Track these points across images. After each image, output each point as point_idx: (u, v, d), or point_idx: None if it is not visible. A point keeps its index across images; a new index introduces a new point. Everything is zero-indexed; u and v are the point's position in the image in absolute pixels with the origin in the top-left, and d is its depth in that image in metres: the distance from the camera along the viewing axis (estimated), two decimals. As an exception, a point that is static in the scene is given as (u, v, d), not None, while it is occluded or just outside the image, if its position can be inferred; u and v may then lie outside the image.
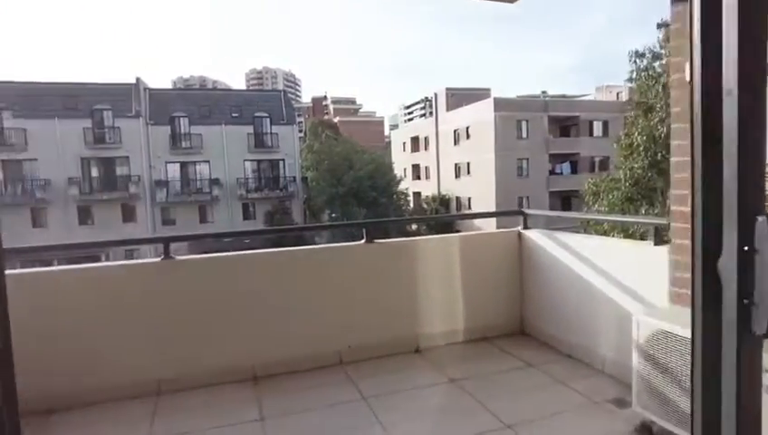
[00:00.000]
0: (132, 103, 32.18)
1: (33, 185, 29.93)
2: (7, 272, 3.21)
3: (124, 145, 31.70)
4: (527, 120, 39.33)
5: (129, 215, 32.12)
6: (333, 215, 37.83)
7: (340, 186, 34.00)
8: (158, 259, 3.57)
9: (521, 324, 4.47)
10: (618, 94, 48.69)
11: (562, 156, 40.56)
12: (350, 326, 3.90)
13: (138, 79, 32.95)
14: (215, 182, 33.77)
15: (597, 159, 41.32)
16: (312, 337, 3.81)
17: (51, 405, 3.20)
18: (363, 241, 3.99)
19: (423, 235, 28.05)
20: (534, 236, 4.30)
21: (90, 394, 3.29)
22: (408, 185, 44.73)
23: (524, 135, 39.37)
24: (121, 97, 31.99)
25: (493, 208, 37.30)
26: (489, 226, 32.18)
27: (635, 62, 10.59)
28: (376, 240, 4.01)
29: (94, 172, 31.58)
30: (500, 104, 38.54)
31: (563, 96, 52.63)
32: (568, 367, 3.69)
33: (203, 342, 3.57)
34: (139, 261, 3.75)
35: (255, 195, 34.67)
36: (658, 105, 9.51)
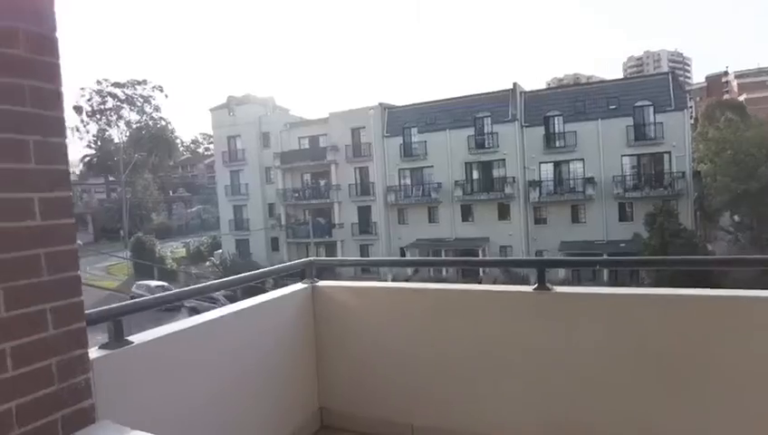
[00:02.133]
0: (509, 108, 33.95)
1: (429, 188, 35.56)
2: (375, 284, 3.03)
3: (501, 148, 33.83)
4: None
5: (503, 213, 34.18)
6: (736, 218, 30.23)
7: (753, 181, 26.46)
8: (530, 289, 2.76)
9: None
10: None
11: None
12: None
13: (514, 84, 34.54)
14: (588, 181, 32.06)
15: None
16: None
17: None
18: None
19: None
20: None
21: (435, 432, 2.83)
22: None
23: None
24: (499, 103, 34.24)
25: None
26: None
27: None
28: None
29: (475, 175, 35.01)
30: None
31: None
32: None
33: (588, 405, 2.56)
34: (508, 288, 3.05)
35: (634, 194, 31.10)
36: None
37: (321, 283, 3.22)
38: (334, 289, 3.22)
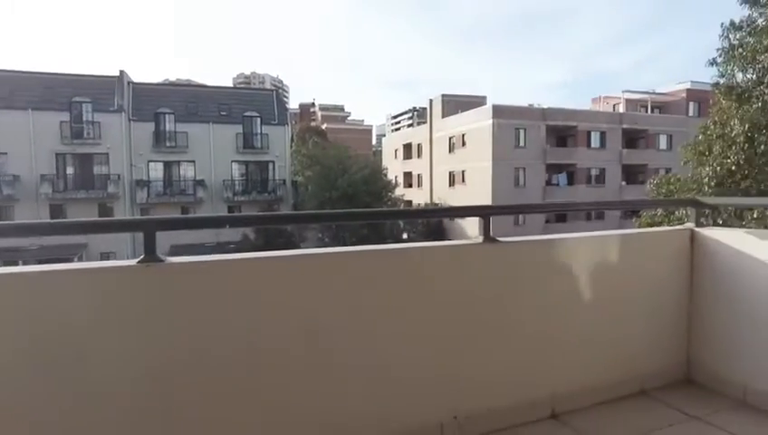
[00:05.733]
0: (115, 97, 30.23)
1: (0, 182, 27.72)
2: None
3: (104, 141, 29.69)
4: (525, 129, 38.26)
5: (106, 215, 30.05)
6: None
7: (334, 190, 32.27)
8: (134, 262, 2.00)
9: (686, 369, 2.98)
10: (614, 106, 47.93)
11: (559, 166, 39.53)
12: (458, 385, 2.36)
13: (122, 72, 31.04)
14: (199, 183, 31.91)
15: (593, 172, 40.43)
16: (394, 402, 2.25)
17: None
18: (481, 239, 2.44)
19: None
20: (722, 235, 2.82)
21: None
22: (401, 192, 43.32)
23: (522, 144, 38.25)
24: (103, 90, 30.04)
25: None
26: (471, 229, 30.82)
27: (727, 36, 9.05)
28: (499, 238, 2.47)
29: (70, 169, 29.48)
30: (498, 111, 37.45)
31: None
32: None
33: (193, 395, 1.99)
34: (102, 264, 2.16)
35: (242, 198, 32.90)
36: (756, 90, 8.14)
37: None
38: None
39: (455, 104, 44.91)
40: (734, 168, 7.68)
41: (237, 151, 32.87)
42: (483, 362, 2.39)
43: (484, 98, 48.11)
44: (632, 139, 41.64)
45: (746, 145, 7.60)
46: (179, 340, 1.95)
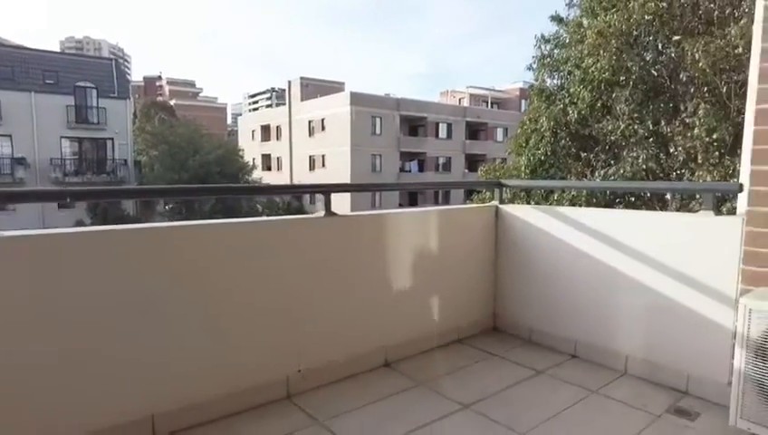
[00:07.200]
0: None
1: None
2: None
3: None
4: (381, 117, 39.80)
5: None
6: (168, 206, 33.78)
7: (184, 171, 30.21)
8: None
9: (493, 320, 3.67)
10: (460, 100, 52.23)
11: (411, 154, 41.98)
12: (301, 342, 2.65)
13: None
14: (19, 162, 27.48)
15: (441, 160, 43.78)
16: (242, 361, 2.46)
17: None
18: (323, 214, 2.74)
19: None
20: (517, 211, 3.51)
21: None
22: (259, 175, 42.19)
23: (378, 131, 39.78)
24: None
25: (348, 202, 36.96)
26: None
27: (540, 47, 10.70)
28: (337, 213, 2.79)
29: None
30: (356, 98, 38.38)
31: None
32: (583, 370, 2.96)
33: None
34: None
35: (75, 179, 29.14)
36: (559, 93, 9.84)
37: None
38: None
39: (314, 88, 44.90)
40: (543, 157, 9.40)
41: (68, 126, 28.94)
42: (324, 322, 2.72)
43: (342, 84, 48.98)
44: (475, 131, 45.80)
45: (552, 139, 9.30)
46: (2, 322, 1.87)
